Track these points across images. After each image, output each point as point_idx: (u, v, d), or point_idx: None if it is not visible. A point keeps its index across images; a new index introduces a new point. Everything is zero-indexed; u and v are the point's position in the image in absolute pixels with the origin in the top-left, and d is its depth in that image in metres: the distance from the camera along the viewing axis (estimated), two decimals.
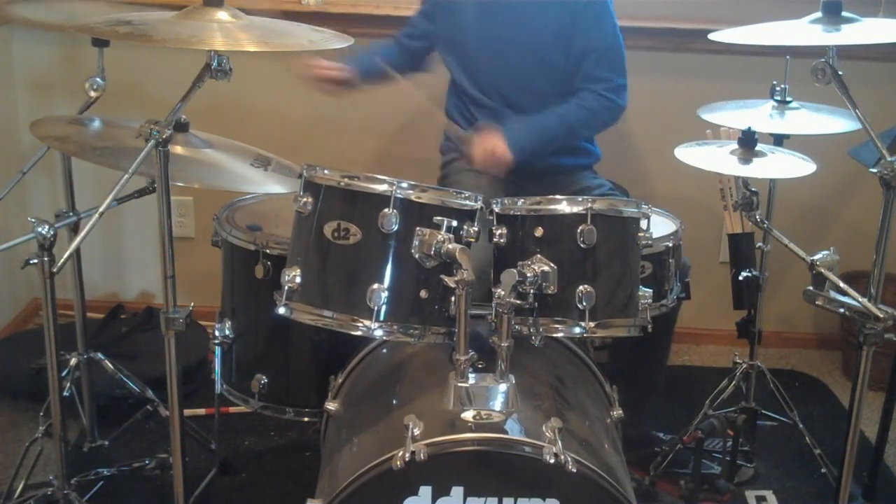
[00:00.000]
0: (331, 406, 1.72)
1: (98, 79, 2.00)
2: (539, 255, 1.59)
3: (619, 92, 2.32)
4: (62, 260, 1.54)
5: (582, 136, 2.43)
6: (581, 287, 1.57)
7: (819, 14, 1.75)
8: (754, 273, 2.28)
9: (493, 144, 2.17)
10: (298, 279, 1.56)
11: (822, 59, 1.63)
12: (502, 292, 1.46)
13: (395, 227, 1.52)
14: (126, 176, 1.52)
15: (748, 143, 1.94)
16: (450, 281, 1.48)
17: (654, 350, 2.29)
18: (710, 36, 1.89)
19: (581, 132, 2.39)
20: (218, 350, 2.01)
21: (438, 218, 1.52)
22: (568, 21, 2.28)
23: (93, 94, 2.00)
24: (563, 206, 1.60)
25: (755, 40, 1.79)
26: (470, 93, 2.41)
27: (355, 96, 2.89)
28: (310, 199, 1.57)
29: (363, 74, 2.37)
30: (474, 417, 1.46)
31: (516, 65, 2.34)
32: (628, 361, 2.29)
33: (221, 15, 1.59)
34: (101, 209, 1.52)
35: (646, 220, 1.67)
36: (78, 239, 1.55)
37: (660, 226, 1.98)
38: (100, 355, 2.21)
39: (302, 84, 2.34)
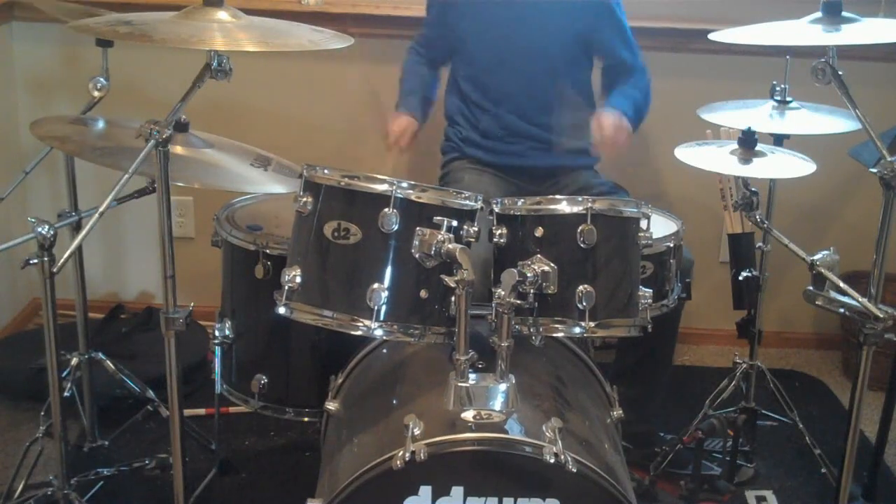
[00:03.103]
0: (331, 406, 1.72)
1: (101, 79, 2.00)
2: (539, 255, 1.59)
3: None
4: (62, 260, 1.54)
5: (647, 107, 2.41)
6: (581, 287, 1.57)
7: (819, 14, 1.75)
8: (754, 273, 2.28)
9: (617, 120, 2.19)
10: (298, 279, 1.56)
11: (822, 59, 1.63)
12: (502, 292, 1.46)
13: (396, 227, 1.52)
14: (126, 176, 1.52)
15: (748, 143, 1.94)
16: (450, 281, 1.48)
17: (659, 349, 2.29)
18: (710, 36, 1.89)
19: (646, 112, 2.39)
20: (218, 350, 2.01)
21: (438, 218, 1.52)
22: (585, 28, 2.30)
23: (96, 93, 2.00)
24: (563, 206, 1.60)
25: (755, 40, 1.79)
26: (473, 97, 2.41)
27: (356, 95, 2.91)
28: (310, 199, 1.57)
29: (423, 118, 2.42)
30: (474, 417, 1.45)
31: (526, 71, 2.34)
32: (634, 361, 2.30)
33: (221, 15, 1.59)
34: (100, 209, 1.52)
35: (646, 220, 1.67)
36: (78, 239, 1.55)
37: (660, 226, 1.98)
38: (100, 355, 2.21)
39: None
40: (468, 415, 1.46)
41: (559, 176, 2.41)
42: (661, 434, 2.40)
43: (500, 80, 2.37)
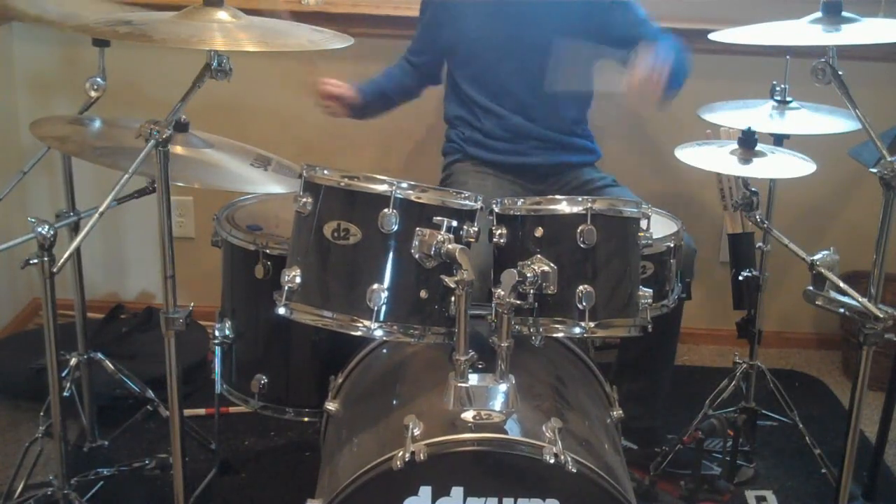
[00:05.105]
0: (331, 406, 1.72)
1: (98, 79, 2.00)
2: (539, 256, 1.58)
3: None
4: (62, 260, 1.54)
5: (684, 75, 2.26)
6: (581, 287, 1.57)
7: (819, 14, 1.75)
8: (754, 273, 2.28)
9: (651, 70, 2.05)
10: (298, 279, 1.56)
11: (822, 59, 1.63)
12: (502, 292, 1.46)
13: (395, 228, 1.51)
14: (126, 176, 1.51)
15: (748, 143, 1.94)
16: (450, 281, 1.48)
17: (661, 344, 2.29)
18: (711, 36, 1.89)
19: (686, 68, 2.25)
20: (218, 350, 2.00)
21: (438, 218, 1.52)
22: (597, 19, 2.29)
23: (93, 94, 2.00)
24: (563, 206, 1.60)
25: (755, 40, 1.79)
26: (475, 98, 2.40)
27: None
28: (310, 199, 1.57)
29: (367, 95, 2.41)
30: (474, 417, 1.45)
31: (530, 69, 2.32)
32: (637, 355, 2.30)
33: (221, 15, 1.59)
34: (100, 209, 1.52)
35: (646, 220, 1.67)
36: (78, 239, 1.55)
37: (660, 226, 1.98)
38: (100, 355, 2.21)
39: (309, 99, 2.35)
40: (468, 415, 1.46)
41: (562, 173, 2.42)
42: (665, 434, 2.40)
43: (503, 79, 2.37)
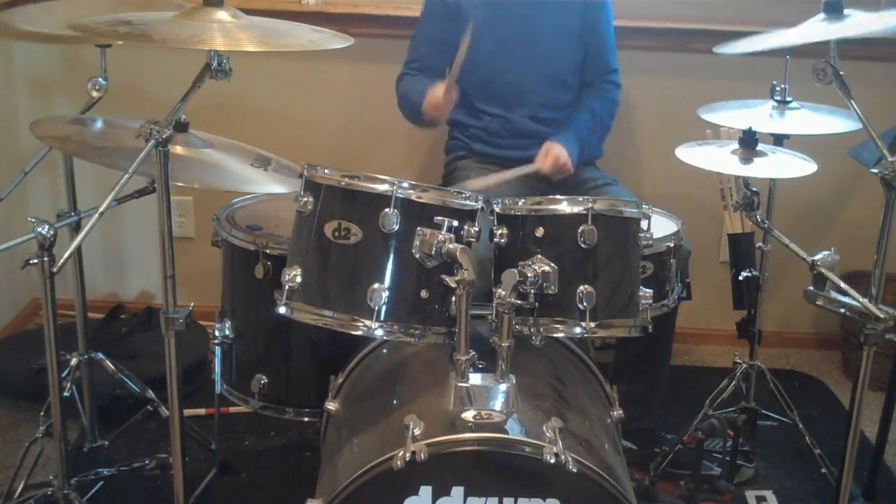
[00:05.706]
0: (331, 406, 1.72)
1: (100, 79, 2.00)
2: (540, 255, 1.59)
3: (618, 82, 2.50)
4: (62, 260, 1.54)
5: (606, 129, 2.51)
6: (581, 287, 1.57)
7: (821, 14, 1.75)
8: (754, 273, 2.28)
9: (557, 153, 2.29)
10: (299, 279, 1.56)
11: (823, 59, 1.63)
12: (503, 292, 1.46)
13: (396, 227, 1.52)
14: (126, 176, 1.51)
15: (749, 143, 1.94)
16: (450, 281, 1.48)
17: (657, 346, 2.29)
18: (715, 49, 1.90)
19: (607, 124, 2.49)
20: (218, 350, 2.00)
21: (439, 218, 1.52)
22: (585, 27, 2.38)
23: (95, 94, 2.00)
24: (564, 206, 1.60)
25: (757, 47, 1.78)
26: (480, 104, 2.43)
27: (356, 95, 2.90)
28: (310, 199, 1.57)
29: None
30: (474, 417, 1.45)
31: (534, 72, 2.38)
32: (633, 357, 2.30)
33: (221, 15, 1.59)
34: (100, 209, 1.52)
35: (646, 221, 1.67)
36: (78, 239, 1.55)
37: (660, 226, 1.98)
38: (100, 355, 2.20)
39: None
40: (468, 415, 1.46)
41: None
42: (663, 435, 2.39)
43: (510, 84, 2.39)
